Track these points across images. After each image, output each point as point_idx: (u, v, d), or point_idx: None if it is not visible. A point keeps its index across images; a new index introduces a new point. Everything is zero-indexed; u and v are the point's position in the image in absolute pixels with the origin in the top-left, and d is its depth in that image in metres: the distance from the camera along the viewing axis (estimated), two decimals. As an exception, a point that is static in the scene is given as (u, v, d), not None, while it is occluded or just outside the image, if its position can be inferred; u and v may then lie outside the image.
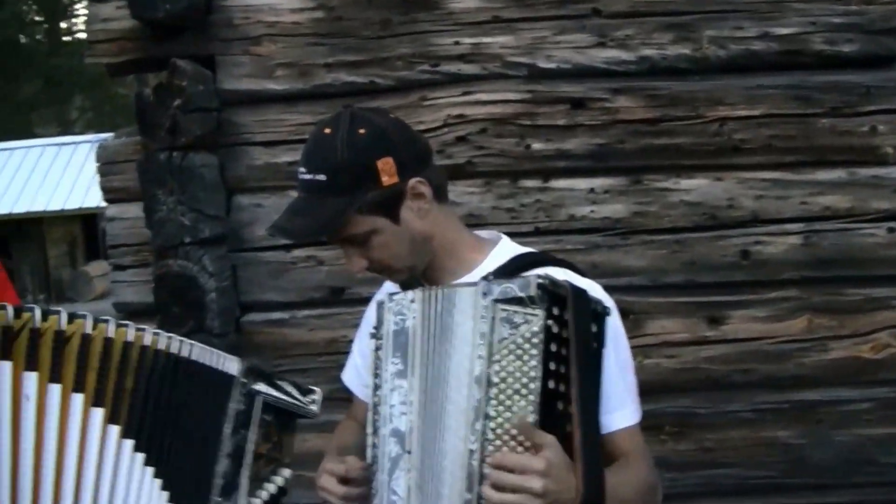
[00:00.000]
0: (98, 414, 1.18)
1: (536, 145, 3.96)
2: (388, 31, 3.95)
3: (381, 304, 2.21)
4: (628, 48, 3.93)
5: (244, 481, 1.40)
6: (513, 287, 1.99)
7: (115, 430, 1.20)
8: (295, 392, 1.55)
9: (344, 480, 2.19)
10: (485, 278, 2.27)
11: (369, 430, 2.16)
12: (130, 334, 1.22)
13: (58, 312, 1.15)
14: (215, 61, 4.00)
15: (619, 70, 3.94)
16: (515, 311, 1.97)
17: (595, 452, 2.03)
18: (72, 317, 1.17)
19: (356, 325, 2.65)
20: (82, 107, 29.87)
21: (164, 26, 3.93)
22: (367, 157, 2.28)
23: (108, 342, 1.21)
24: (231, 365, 1.44)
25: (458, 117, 3.95)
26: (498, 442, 1.96)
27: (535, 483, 1.92)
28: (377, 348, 2.17)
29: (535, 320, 1.95)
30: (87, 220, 21.71)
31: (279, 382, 1.52)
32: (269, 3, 3.99)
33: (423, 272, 2.40)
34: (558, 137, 3.95)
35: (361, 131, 2.30)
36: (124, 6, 3.98)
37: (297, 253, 4.03)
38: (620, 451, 2.22)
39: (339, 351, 3.64)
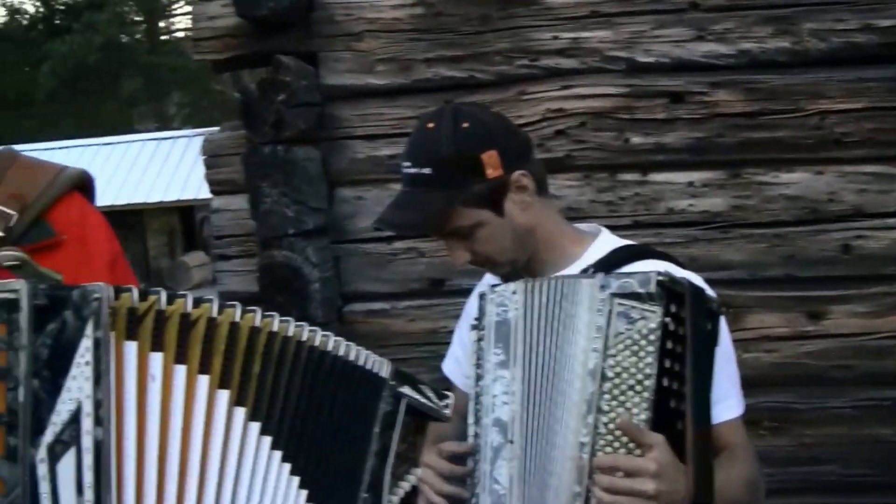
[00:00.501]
0: (224, 396, 1.20)
1: (635, 139, 3.96)
2: (487, 26, 3.98)
3: (482, 296, 2.23)
4: (727, 42, 3.91)
5: (387, 479, 1.43)
6: (631, 282, 2.00)
7: (241, 412, 1.21)
8: (433, 396, 1.61)
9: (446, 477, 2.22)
10: (585, 270, 2.28)
11: (471, 419, 2.17)
12: (257, 320, 1.24)
13: (184, 296, 1.17)
14: (317, 57, 4.08)
15: (718, 64, 3.92)
16: (633, 307, 1.98)
17: (707, 453, 2.03)
18: (197, 301, 1.19)
19: (456, 316, 2.68)
20: (180, 103, 30.35)
21: (268, 23, 4.01)
22: (471, 150, 2.31)
23: (234, 326, 1.23)
24: (381, 366, 1.49)
25: (556, 111, 3.97)
26: (609, 437, 1.97)
27: (648, 485, 1.93)
28: (479, 339, 2.18)
29: (652, 317, 1.96)
30: (184, 212, 22.06)
31: (420, 386, 1.58)
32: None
33: (523, 265, 2.43)
34: (657, 131, 3.95)
35: (465, 125, 2.33)
36: (229, 4, 4.07)
37: (398, 245, 4.08)
38: (724, 442, 2.22)
39: (439, 341, 3.68)
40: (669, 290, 1.97)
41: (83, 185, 1.45)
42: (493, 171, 2.30)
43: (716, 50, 3.92)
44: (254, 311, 1.24)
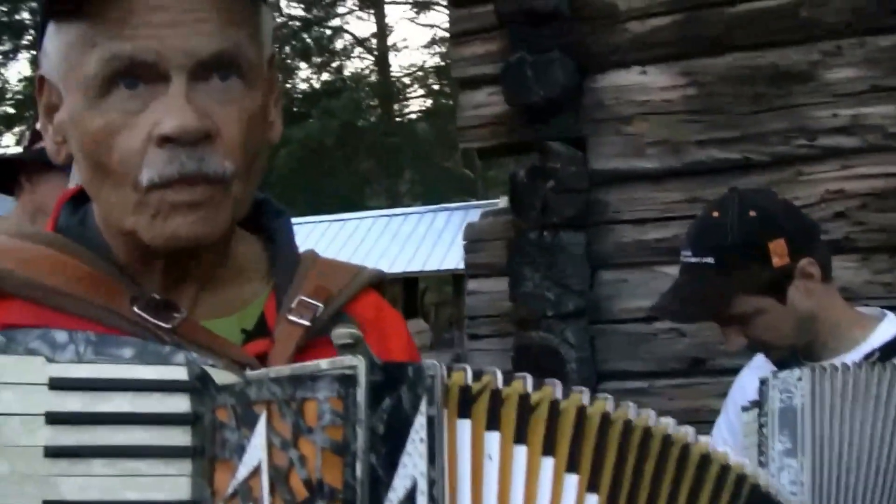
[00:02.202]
0: (573, 479, 1.14)
1: (920, 220, 3.76)
2: (763, 105, 3.88)
3: (764, 381, 2.18)
4: None
5: None
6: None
7: (594, 498, 1.15)
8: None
9: None
10: (868, 356, 2.22)
11: None
12: (609, 407, 1.17)
13: (523, 377, 1.13)
14: (586, 142, 4.05)
15: None
16: None
17: None
18: (538, 383, 1.16)
19: (718, 395, 2.62)
20: (412, 179, 31.18)
21: (537, 110, 4.01)
22: (758, 239, 2.28)
23: (581, 411, 1.17)
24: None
25: (836, 192, 3.82)
26: None
27: None
28: (761, 425, 2.13)
29: None
30: (407, 283, 22.61)
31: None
32: (641, 82, 4.01)
33: (805, 348, 2.36)
34: (944, 211, 3.74)
35: (752, 213, 2.30)
36: (496, 92, 4.12)
37: (659, 325, 4.00)
38: None
39: (700, 420, 3.54)
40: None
41: (379, 283, 1.47)
42: (779, 260, 2.27)
43: None
44: (606, 398, 1.17)
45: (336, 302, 1.33)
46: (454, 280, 21.52)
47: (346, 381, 1.01)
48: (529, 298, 4.00)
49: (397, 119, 32.84)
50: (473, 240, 4.36)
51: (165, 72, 1.13)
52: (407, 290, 22.77)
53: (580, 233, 4.01)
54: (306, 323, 1.27)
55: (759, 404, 2.15)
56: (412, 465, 1.02)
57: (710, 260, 2.30)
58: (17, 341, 1.10)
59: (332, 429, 1.00)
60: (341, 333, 1.06)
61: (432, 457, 1.03)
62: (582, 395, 1.16)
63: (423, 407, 1.03)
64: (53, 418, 1.05)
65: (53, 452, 1.05)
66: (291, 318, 1.27)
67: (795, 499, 2.03)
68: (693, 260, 2.34)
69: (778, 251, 2.26)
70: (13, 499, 1.05)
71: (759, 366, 2.47)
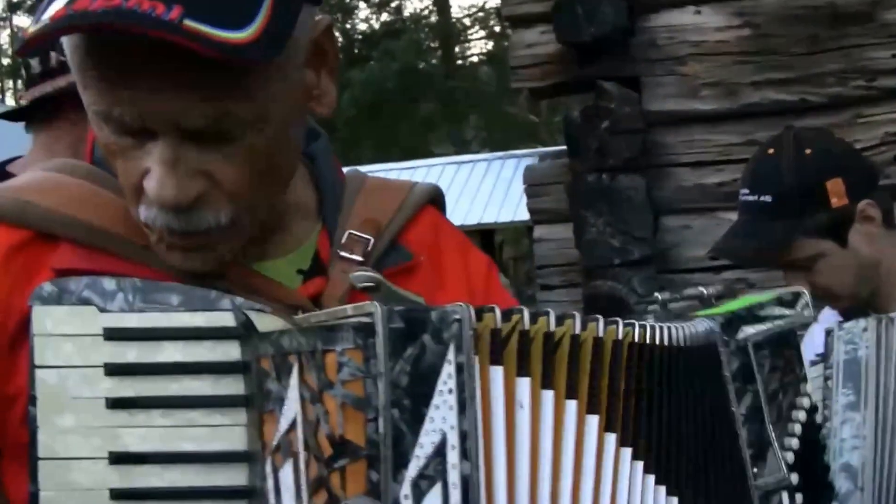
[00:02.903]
0: (594, 422, 1.11)
1: (983, 161, 3.71)
2: (818, 46, 3.84)
3: (829, 333, 2.12)
4: None
5: (771, 434, 1.27)
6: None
7: (612, 438, 1.13)
8: (783, 311, 1.33)
9: None
10: None
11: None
12: (620, 332, 1.16)
13: (546, 313, 1.08)
14: (640, 82, 4.04)
15: None
16: None
17: None
18: (560, 318, 1.10)
19: None
20: (476, 126, 30.95)
21: (590, 49, 4.00)
22: (815, 179, 2.22)
23: (597, 342, 1.12)
24: (701, 325, 1.26)
25: (895, 135, 3.76)
26: None
27: None
28: (826, 378, 2.08)
29: None
30: (484, 235, 22.43)
31: (762, 314, 1.31)
32: (694, 22, 3.98)
33: (866, 299, 2.31)
34: None
35: (808, 151, 2.24)
36: (548, 31, 4.10)
37: (727, 275, 3.97)
38: None
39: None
40: None
41: (434, 199, 1.42)
42: (837, 200, 2.21)
43: None
44: (615, 322, 1.13)
45: (388, 231, 1.29)
46: (529, 232, 21.29)
47: (364, 330, 0.97)
48: (594, 246, 4.00)
49: (458, 62, 32.54)
50: (534, 184, 4.36)
51: (153, 131, 1.09)
52: (484, 243, 22.59)
53: (639, 176, 4.00)
54: (358, 258, 1.24)
55: (824, 357, 2.11)
56: (440, 418, 0.97)
57: (767, 199, 2.25)
58: (69, 291, 1.09)
59: (351, 383, 0.97)
60: (360, 276, 1.03)
61: (462, 408, 0.98)
62: (597, 325, 1.13)
63: (450, 355, 0.98)
64: (112, 369, 1.07)
65: (115, 403, 1.07)
66: (343, 253, 1.25)
67: (857, 453, 2.01)
68: (751, 199, 2.29)
69: (836, 191, 2.21)
70: (80, 450, 1.06)
71: (827, 319, 2.39)
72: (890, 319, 2.05)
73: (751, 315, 1.28)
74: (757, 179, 2.30)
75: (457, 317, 0.99)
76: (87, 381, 1.07)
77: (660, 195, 4.04)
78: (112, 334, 1.08)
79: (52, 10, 1.04)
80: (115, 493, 1.06)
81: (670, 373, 1.19)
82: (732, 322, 1.27)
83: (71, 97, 2.93)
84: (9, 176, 3.02)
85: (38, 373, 1.06)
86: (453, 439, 0.97)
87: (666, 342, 1.19)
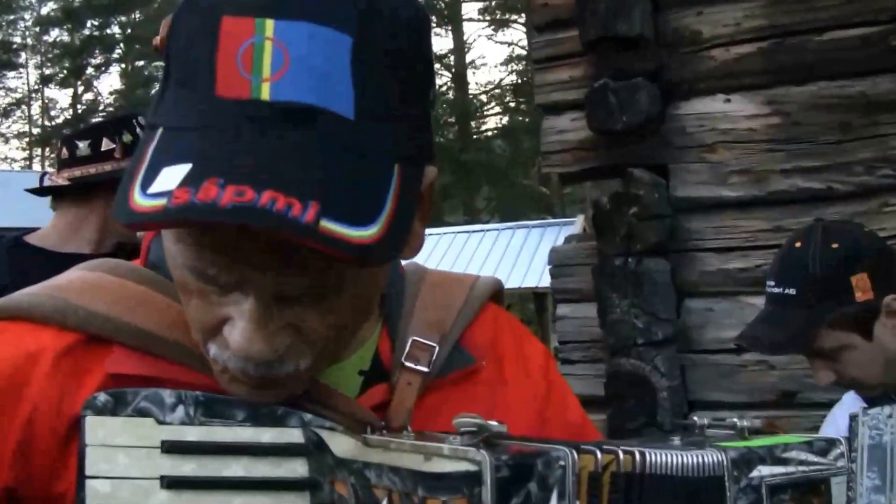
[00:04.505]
0: None
1: None
2: (849, 134, 3.85)
3: (854, 417, 2.12)
4: None
5: None
6: None
7: None
8: (809, 457, 1.22)
9: None
10: None
11: None
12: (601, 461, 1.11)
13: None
14: (668, 169, 4.06)
15: None
16: None
17: None
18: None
19: (809, 429, 2.57)
20: (488, 197, 31.17)
21: (620, 136, 4.03)
22: (840, 273, 2.23)
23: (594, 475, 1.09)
24: (709, 461, 1.14)
25: (922, 224, 3.78)
26: None
27: None
28: (851, 461, 2.09)
29: None
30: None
31: (784, 456, 1.19)
32: (724, 110, 4.00)
33: (894, 388, 2.30)
34: None
35: (835, 245, 2.25)
36: (579, 118, 4.13)
37: (748, 357, 3.97)
38: None
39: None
40: None
41: (496, 294, 1.38)
42: (862, 295, 2.22)
43: None
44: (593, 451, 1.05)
45: (453, 334, 1.26)
46: (535, 298, 21.33)
47: (471, 480, 0.93)
48: (619, 326, 4.00)
49: (474, 136, 32.87)
50: (558, 265, 4.37)
51: (246, 290, 1.03)
52: (493, 306, 22.71)
53: (665, 260, 4.00)
54: (424, 369, 1.20)
55: (848, 441, 2.13)
56: None
57: (791, 291, 2.27)
58: (125, 401, 1.05)
59: None
60: (463, 423, 0.97)
61: None
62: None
63: (553, 501, 0.96)
64: (169, 483, 1.03)
65: None
66: (408, 364, 1.21)
67: None
68: (777, 290, 2.31)
69: (861, 286, 2.23)
70: None
71: (850, 402, 2.42)
72: None
73: (770, 455, 1.17)
74: (783, 272, 2.32)
75: (562, 464, 0.96)
76: (142, 493, 1.03)
77: (685, 279, 4.05)
78: (171, 447, 1.04)
79: (164, 186, 0.95)
80: None
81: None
82: (746, 459, 1.15)
83: (114, 182, 3.01)
84: (26, 247, 3.07)
85: (90, 483, 1.03)
86: None
87: (663, 471, 1.07)
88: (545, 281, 8.82)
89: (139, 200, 0.96)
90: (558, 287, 4.34)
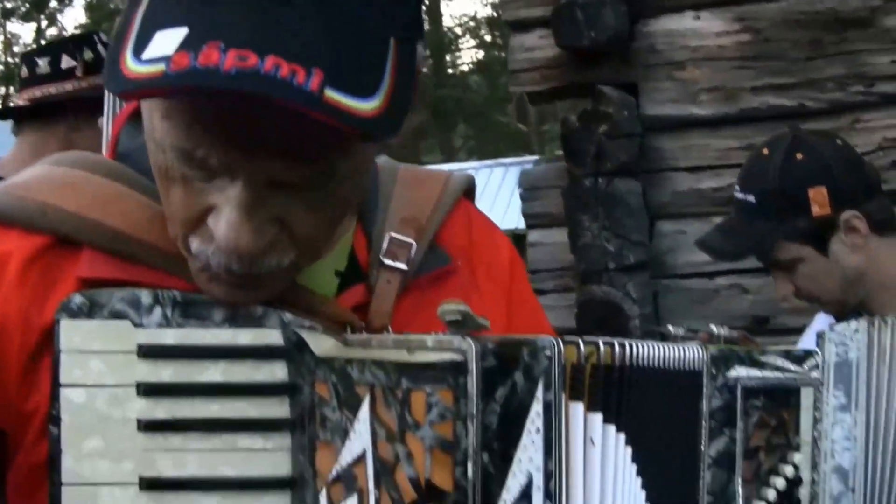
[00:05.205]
0: (628, 453, 1.05)
1: (980, 168, 3.69)
2: (819, 51, 3.82)
3: (820, 335, 2.12)
4: None
5: (738, 489, 1.15)
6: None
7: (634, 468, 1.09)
8: (786, 363, 1.26)
9: None
10: None
11: (806, 468, 2.06)
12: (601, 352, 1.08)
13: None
14: (638, 87, 4.02)
15: None
16: None
17: None
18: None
19: None
20: (465, 135, 31.12)
21: (588, 54, 3.98)
22: (797, 185, 2.23)
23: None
24: (691, 356, 1.14)
25: (894, 140, 3.75)
26: None
27: None
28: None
29: None
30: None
31: (761, 359, 1.20)
32: (694, 27, 3.96)
33: (858, 305, 2.30)
34: None
35: (799, 156, 2.25)
36: (547, 35, 4.07)
37: (721, 281, 3.96)
38: None
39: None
40: None
41: (468, 190, 1.36)
42: (818, 209, 2.22)
43: None
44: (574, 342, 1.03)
45: (429, 231, 1.22)
46: (515, 239, 21.37)
47: (456, 369, 0.91)
48: (590, 250, 3.97)
49: (449, 71, 32.71)
50: (529, 187, 4.33)
51: (235, 174, 0.99)
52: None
53: (636, 180, 3.97)
54: (403, 266, 1.17)
55: None
56: (527, 459, 0.93)
57: (751, 198, 2.27)
58: (100, 304, 1.02)
59: (441, 425, 0.92)
60: (448, 311, 0.94)
61: (549, 448, 0.94)
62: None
63: (539, 392, 0.94)
64: (146, 389, 1.01)
65: (147, 426, 1.01)
66: (386, 261, 1.17)
67: (849, 455, 1.99)
68: (740, 196, 2.31)
69: (818, 200, 2.22)
70: (108, 475, 1.00)
71: (821, 322, 2.42)
72: (883, 321, 2.05)
73: (748, 357, 1.19)
74: (747, 178, 2.33)
75: (547, 353, 0.94)
76: (117, 402, 1.01)
77: (656, 200, 4.02)
78: (147, 352, 1.02)
79: (161, 51, 0.91)
80: None
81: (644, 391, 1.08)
82: (725, 357, 1.17)
83: (76, 102, 2.93)
84: None
85: (64, 391, 1.00)
86: (538, 480, 0.93)
87: (645, 363, 1.07)
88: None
89: (133, 66, 0.91)
90: (529, 211, 4.31)
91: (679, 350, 1.10)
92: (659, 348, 1.08)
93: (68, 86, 2.97)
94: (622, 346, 1.02)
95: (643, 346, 1.05)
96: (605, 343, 1.01)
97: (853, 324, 2.07)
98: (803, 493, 1.20)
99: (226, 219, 0.98)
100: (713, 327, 1.20)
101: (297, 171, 0.98)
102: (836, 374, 2.04)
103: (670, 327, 1.21)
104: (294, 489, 1.03)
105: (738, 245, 2.33)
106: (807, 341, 2.46)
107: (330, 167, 1.00)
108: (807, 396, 1.89)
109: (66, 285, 1.06)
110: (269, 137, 0.95)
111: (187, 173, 0.99)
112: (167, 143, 0.98)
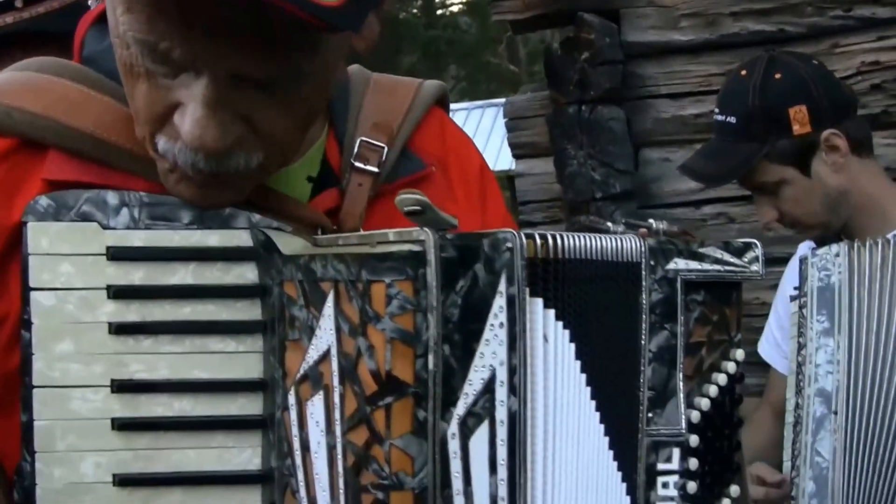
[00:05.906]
0: (571, 349, 1.05)
1: (957, 91, 3.71)
2: (798, -25, 3.81)
3: (803, 260, 2.13)
4: None
5: (679, 384, 1.13)
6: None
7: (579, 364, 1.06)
8: (725, 255, 1.20)
9: (762, 481, 2.16)
10: None
11: (791, 392, 2.09)
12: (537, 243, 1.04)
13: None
14: (620, 14, 4.00)
15: None
16: None
17: None
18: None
19: (769, 287, 2.57)
20: (457, 76, 30.88)
21: (570, -20, 3.97)
22: (778, 104, 2.23)
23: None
24: (628, 246, 1.11)
25: (872, 64, 3.74)
26: None
27: None
28: (801, 306, 2.09)
29: None
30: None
31: (700, 251, 1.17)
32: (674, -49, 3.95)
33: (841, 229, 2.31)
34: (984, 80, 3.69)
35: (777, 76, 2.25)
36: (529, -38, 4.06)
37: (707, 210, 3.97)
38: None
39: (750, 314, 3.58)
40: None
41: (441, 97, 1.35)
42: (800, 128, 2.22)
43: None
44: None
45: (401, 136, 1.23)
46: (509, 182, 21.19)
47: (415, 260, 0.91)
48: (576, 178, 3.98)
49: (439, 12, 32.38)
50: (515, 117, 4.32)
51: (199, 69, 0.99)
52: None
53: (619, 107, 3.97)
54: (374, 169, 1.18)
55: (799, 286, 2.13)
56: (490, 353, 0.92)
57: (732, 120, 2.27)
58: (67, 205, 1.01)
59: (401, 317, 0.91)
60: (406, 199, 0.93)
61: (513, 342, 0.94)
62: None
63: (501, 286, 0.93)
64: (116, 292, 1.01)
65: (119, 329, 1.01)
66: (357, 164, 1.18)
67: (831, 378, 2.02)
68: (720, 118, 2.31)
69: (798, 118, 2.23)
70: (80, 378, 1.00)
71: (805, 250, 2.42)
72: (862, 244, 2.06)
73: (687, 249, 1.15)
74: (726, 100, 2.33)
75: (509, 245, 0.94)
76: (88, 305, 1.01)
77: (639, 127, 4.02)
78: (116, 254, 1.01)
79: None
80: (119, 423, 1.01)
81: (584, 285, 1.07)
82: (663, 249, 1.13)
83: (12, 39, 2.77)
84: None
85: (34, 295, 1.00)
86: (502, 375, 0.93)
87: (580, 255, 1.05)
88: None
89: None
90: (514, 141, 4.30)
91: (616, 241, 1.09)
92: (595, 239, 1.06)
93: (8, 18, 2.79)
94: (553, 237, 1.01)
95: (576, 238, 1.04)
96: (540, 236, 1.00)
97: (834, 248, 2.09)
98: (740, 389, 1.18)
99: (190, 114, 0.98)
100: (652, 221, 1.19)
101: (262, 67, 0.98)
102: (818, 298, 2.06)
103: (609, 224, 1.21)
104: (266, 391, 1.03)
105: (721, 167, 2.33)
106: (792, 270, 2.48)
107: (295, 64, 1.00)
108: (791, 338, 1.87)
109: (33, 187, 1.06)
110: (232, 29, 0.95)
111: (151, 68, 0.99)
112: (130, 36, 0.98)
